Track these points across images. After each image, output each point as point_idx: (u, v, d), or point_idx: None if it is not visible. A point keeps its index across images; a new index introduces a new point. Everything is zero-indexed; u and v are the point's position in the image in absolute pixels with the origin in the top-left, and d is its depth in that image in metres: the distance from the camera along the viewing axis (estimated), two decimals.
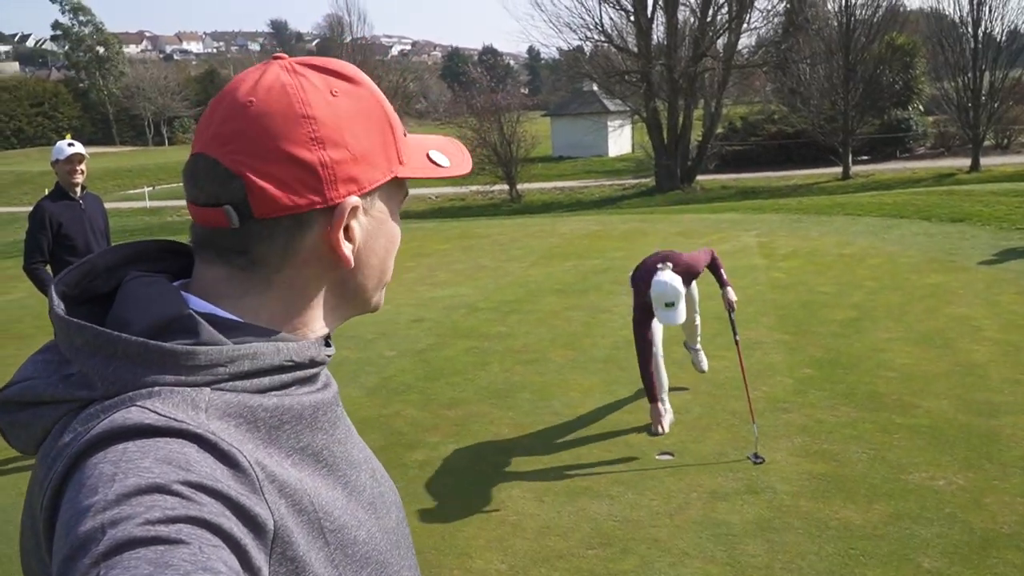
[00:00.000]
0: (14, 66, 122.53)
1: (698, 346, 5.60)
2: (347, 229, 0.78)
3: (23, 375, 0.74)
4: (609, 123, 36.93)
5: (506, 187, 28.12)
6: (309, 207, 0.74)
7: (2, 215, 31.79)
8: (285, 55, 0.80)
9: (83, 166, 4.95)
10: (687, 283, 4.60)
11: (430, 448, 4.86)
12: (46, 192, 5.36)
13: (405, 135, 0.84)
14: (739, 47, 27.45)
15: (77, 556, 0.54)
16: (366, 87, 0.80)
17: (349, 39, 37.37)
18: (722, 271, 5.00)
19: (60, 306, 0.73)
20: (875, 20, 25.26)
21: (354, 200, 0.76)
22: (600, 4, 27.07)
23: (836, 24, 25.84)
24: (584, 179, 32.28)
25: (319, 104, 0.75)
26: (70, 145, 4.93)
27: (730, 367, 5.91)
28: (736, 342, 4.88)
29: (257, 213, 0.73)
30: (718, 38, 26.61)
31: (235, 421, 0.70)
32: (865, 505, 3.86)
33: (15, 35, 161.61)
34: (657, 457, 4.57)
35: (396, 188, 0.84)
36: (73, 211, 4.86)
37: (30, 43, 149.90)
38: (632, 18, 26.87)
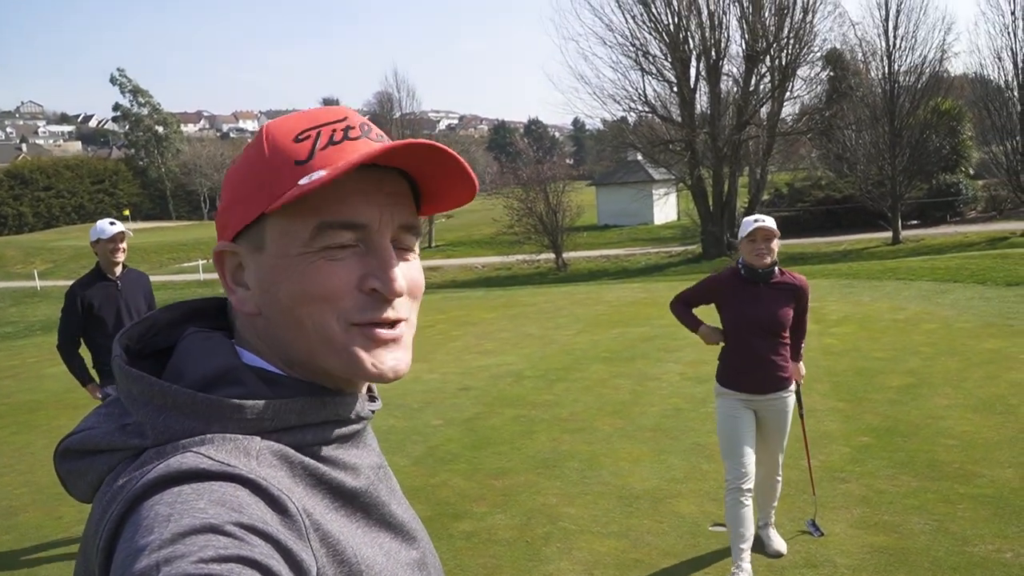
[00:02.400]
0: (77, 145, 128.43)
1: (771, 520, 4.24)
2: (241, 274, 0.80)
3: (84, 425, 0.77)
4: (654, 191, 37.14)
5: (552, 256, 28.27)
6: (217, 259, 0.82)
7: (61, 288, 32.90)
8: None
9: (124, 244, 4.82)
10: (788, 301, 3.87)
11: (477, 519, 4.81)
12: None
13: (301, 162, 0.75)
14: (783, 115, 27.54)
15: None
16: (262, 133, 0.79)
17: (398, 115, 38.41)
18: (803, 341, 4.15)
19: (122, 357, 0.77)
20: (919, 86, 25.18)
21: (221, 245, 0.81)
22: (644, 76, 27.55)
23: (880, 91, 25.82)
24: (630, 247, 32.33)
25: (233, 165, 0.82)
26: (112, 224, 4.79)
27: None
28: (800, 415, 4.42)
29: None
30: (761, 106, 26.76)
31: (284, 470, 0.72)
32: None
33: (78, 116, 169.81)
34: (710, 529, 4.45)
35: (293, 224, 0.75)
36: (107, 291, 4.75)
37: (92, 123, 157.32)
38: (675, 89, 27.23)
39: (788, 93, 26.38)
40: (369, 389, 0.89)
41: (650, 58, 27.02)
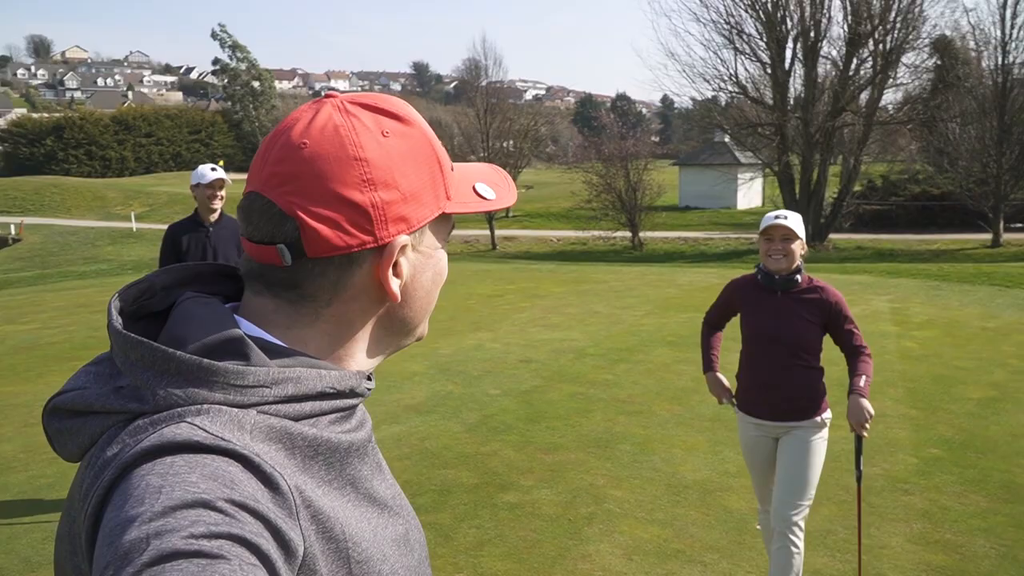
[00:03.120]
0: (178, 95, 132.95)
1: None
2: (395, 265, 0.80)
3: (74, 384, 0.75)
4: (739, 175, 36.21)
5: (628, 234, 27.94)
6: (360, 247, 0.77)
7: (155, 231, 34.29)
8: (337, 93, 0.82)
9: (223, 192, 4.79)
10: (812, 315, 3.24)
11: (522, 491, 4.78)
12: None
13: (452, 169, 0.86)
14: (883, 103, 26.38)
15: (121, 564, 0.55)
16: (416, 126, 0.81)
17: (485, 82, 38.36)
18: (865, 366, 3.24)
19: (118, 320, 0.75)
20: None
21: (403, 239, 0.79)
22: (736, 56, 26.76)
23: (991, 83, 24.43)
24: (710, 231, 31.69)
25: (371, 146, 0.77)
26: (213, 170, 4.77)
27: (848, 438, 5.55)
28: (857, 478, 3.47)
29: (310, 253, 0.76)
30: (860, 93, 25.66)
31: (276, 445, 0.71)
32: None
33: (181, 67, 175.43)
34: (758, 527, 4.30)
35: (444, 222, 0.86)
36: (198, 237, 4.72)
37: (193, 75, 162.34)
38: (769, 70, 26.36)
39: (890, 80, 25.21)
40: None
41: (744, 37, 26.28)
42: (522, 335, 9.33)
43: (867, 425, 3.14)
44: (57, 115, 65.67)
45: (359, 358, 0.84)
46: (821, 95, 25.94)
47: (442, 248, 0.87)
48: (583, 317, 10.55)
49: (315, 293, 0.78)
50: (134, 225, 34.39)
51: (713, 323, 3.68)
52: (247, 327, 0.78)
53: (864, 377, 3.18)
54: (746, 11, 26.00)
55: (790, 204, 25.90)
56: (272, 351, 0.76)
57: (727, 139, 35.18)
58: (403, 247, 0.79)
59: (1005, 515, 4.34)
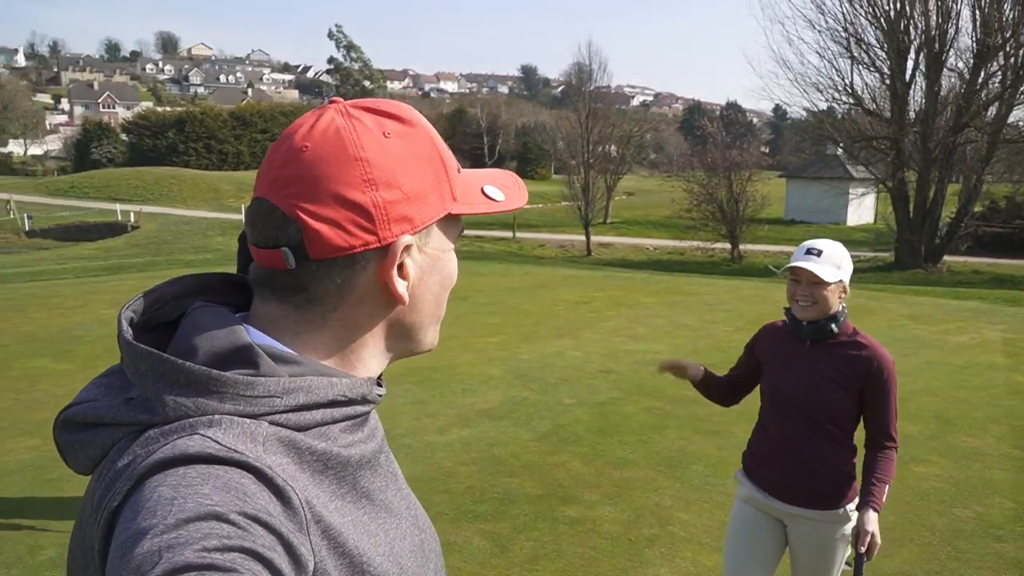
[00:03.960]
0: (294, 94, 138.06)
1: None
2: (401, 267, 0.79)
3: (85, 396, 0.76)
4: (851, 190, 34.81)
5: (728, 246, 27.27)
6: (363, 247, 0.76)
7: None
8: (341, 99, 0.81)
9: None
10: (847, 376, 2.55)
11: (586, 506, 4.69)
12: None
13: (459, 171, 0.85)
14: (1012, 119, 24.77)
15: None
16: (419, 127, 0.81)
17: (593, 87, 38.24)
18: (889, 467, 2.56)
19: (128, 332, 0.75)
20: None
21: (407, 239, 0.78)
22: (853, 65, 25.70)
23: None
24: None
25: (372, 146, 0.76)
26: None
27: (940, 475, 5.22)
28: None
29: (313, 255, 0.75)
30: (987, 108, 24.19)
31: (288, 457, 0.71)
32: None
33: (299, 66, 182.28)
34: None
35: (451, 224, 0.85)
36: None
37: (310, 74, 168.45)
38: (887, 81, 25.20)
39: (1020, 96, 23.64)
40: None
41: (863, 46, 25.16)
42: (605, 344, 9.20)
43: (872, 550, 2.45)
44: (180, 109, 69.48)
45: (369, 364, 0.83)
46: (943, 109, 24.61)
47: (451, 251, 0.86)
48: (670, 329, 10.33)
49: (321, 296, 0.78)
50: (243, 217, 35.92)
51: (733, 381, 2.91)
52: (256, 336, 0.78)
53: (885, 487, 2.51)
54: (866, 19, 24.92)
55: (903, 223, 24.70)
56: (281, 359, 0.76)
57: (839, 152, 33.86)
58: (407, 247, 0.79)
59: None
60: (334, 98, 0.83)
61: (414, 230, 0.78)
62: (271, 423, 0.71)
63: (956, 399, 7.04)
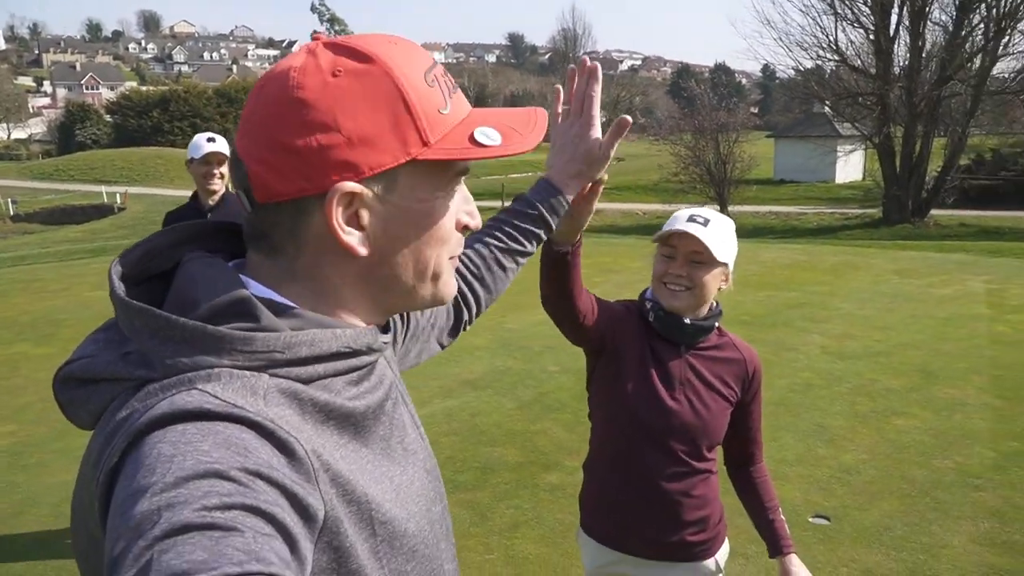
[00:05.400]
0: None
1: None
2: (357, 216, 0.75)
3: (82, 352, 0.75)
4: (839, 148, 34.72)
5: (717, 208, 27.24)
6: (299, 193, 0.73)
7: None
8: (322, 35, 0.79)
9: (224, 168, 3.78)
10: (725, 389, 1.99)
11: (566, 472, 4.70)
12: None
13: (444, 110, 0.78)
14: (996, 71, 24.64)
15: (132, 536, 0.54)
16: (379, 64, 0.74)
17: (582, 52, 37.95)
18: (771, 487, 2.10)
19: (120, 288, 0.74)
20: None
21: (349, 186, 0.73)
22: (837, 22, 25.49)
23: None
24: (803, 205, 30.53)
25: (313, 86, 0.72)
26: (210, 141, 3.76)
27: (921, 427, 5.24)
28: None
29: (258, 199, 0.74)
30: (970, 61, 24.06)
31: (292, 408, 0.70)
32: None
33: (283, 41, 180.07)
34: (811, 520, 4.10)
35: (435, 171, 0.78)
36: None
37: (295, 48, 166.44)
38: (871, 36, 25.02)
39: (1003, 48, 23.50)
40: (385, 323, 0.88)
41: (847, 1, 24.92)
42: None
43: None
44: (164, 88, 68.66)
45: (355, 316, 0.81)
46: (927, 63, 24.49)
47: (437, 200, 0.80)
48: None
49: (281, 245, 0.76)
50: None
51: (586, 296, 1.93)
52: (255, 287, 0.76)
53: (779, 510, 2.05)
54: None
55: (890, 179, 24.68)
56: (282, 312, 0.74)
57: (826, 110, 33.72)
58: (356, 195, 0.74)
59: None
60: (316, 33, 0.80)
61: (359, 177, 0.73)
62: (272, 375, 0.70)
63: (939, 351, 7.07)
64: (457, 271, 1.06)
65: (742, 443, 2.07)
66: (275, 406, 0.68)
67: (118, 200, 33.24)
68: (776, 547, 2.00)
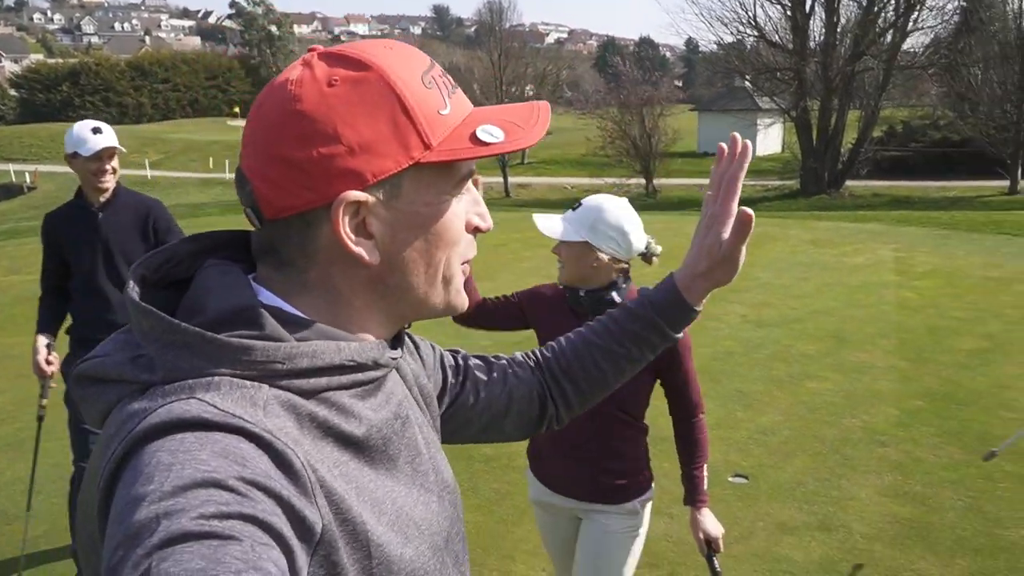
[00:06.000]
0: (196, 40, 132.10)
1: None
2: (365, 225, 0.75)
3: (100, 351, 0.75)
4: (759, 121, 35.60)
5: (643, 181, 27.68)
6: (306, 206, 0.73)
7: (170, 178, 34.44)
8: (319, 47, 0.78)
9: (115, 163, 3.28)
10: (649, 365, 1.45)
11: (499, 444, 4.83)
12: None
13: (444, 111, 0.77)
14: (906, 46, 25.65)
15: (130, 545, 0.54)
16: (375, 71, 0.74)
17: (508, 25, 37.75)
18: (703, 446, 2.31)
19: (135, 290, 0.74)
20: None
21: (354, 194, 0.72)
22: None
23: (1014, 28, 23.67)
24: None
25: (310, 98, 0.72)
26: (96, 132, 3.19)
27: (832, 389, 5.57)
28: None
29: (266, 215, 0.74)
30: (881, 36, 24.97)
31: (291, 421, 0.70)
32: (947, 558, 3.52)
33: (199, 11, 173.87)
34: (729, 479, 4.36)
35: (438, 173, 0.77)
36: (84, 225, 3.26)
37: (212, 19, 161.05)
38: (788, 13, 25.70)
39: (912, 23, 24.49)
40: (397, 335, 0.87)
41: None
42: (521, 285, 9.24)
43: (720, 542, 2.24)
44: (73, 61, 65.68)
45: (367, 327, 0.80)
46: (842, 39, 25.30)
47: (444, 203, 0.79)
48: None
49: (291, 258, 0.76)
50: (148, 173, 34.51)
51: (486, 305, 2.51)
52: (266, 296, 0.76)
53: (704, 470, 2.28)
54: None
55: (807, 151, 25.51)
56: (289, 322, 0.74)
57: (747, 84, 34.51)
58: (364, 204, 0.73)
59: (976, 467, 4.34)
60: (313, 46, 0.78)
61: (364, 185, 0.73)
62: (272, 386, 0.70)
63: (850, 317, 7.46)
64: (536, 358, 1.15)
65: (674, 402, 2.31)
66: (274, 418, 0.68)
67: (27, 179, 31.83)
68: (691, 498, 2.29)
